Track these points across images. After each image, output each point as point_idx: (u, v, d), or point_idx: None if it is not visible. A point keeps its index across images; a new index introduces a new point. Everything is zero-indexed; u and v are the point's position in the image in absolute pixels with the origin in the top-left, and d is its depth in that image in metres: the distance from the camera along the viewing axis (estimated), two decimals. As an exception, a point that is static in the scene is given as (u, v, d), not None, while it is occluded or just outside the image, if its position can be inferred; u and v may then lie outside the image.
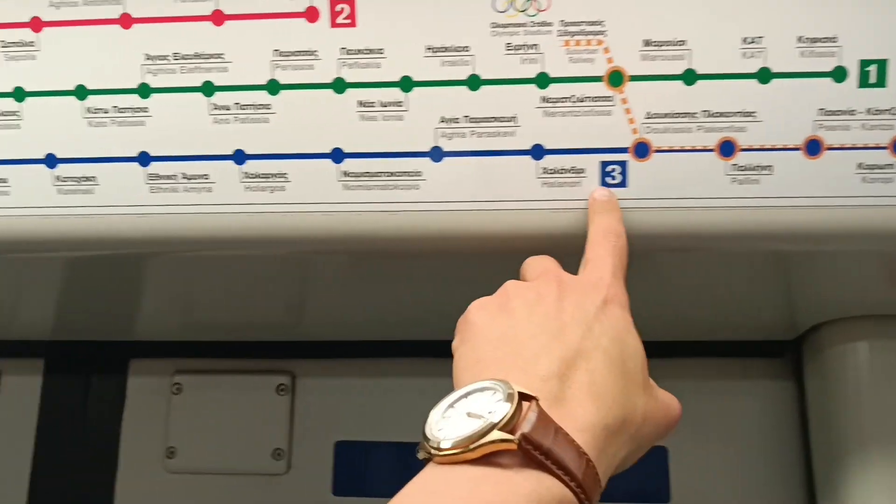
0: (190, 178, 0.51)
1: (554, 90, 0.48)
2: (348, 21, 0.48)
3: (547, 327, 0.38)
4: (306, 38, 0.49)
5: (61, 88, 0.51)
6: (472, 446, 0.33)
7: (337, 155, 0.50)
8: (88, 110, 0.51)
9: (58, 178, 0.52)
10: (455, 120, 0.49)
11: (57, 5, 0.50)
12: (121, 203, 0.51)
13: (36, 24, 0.50)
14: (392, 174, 0.50)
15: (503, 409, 0.33)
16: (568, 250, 0.47)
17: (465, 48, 0.48)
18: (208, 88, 0.50)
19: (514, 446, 0.32)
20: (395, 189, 0.50)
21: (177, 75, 0.50)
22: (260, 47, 0.49)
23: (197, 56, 0.50)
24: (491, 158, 0.49)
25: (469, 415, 0.34)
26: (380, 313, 0.70)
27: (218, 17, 0.49)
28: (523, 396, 0.34)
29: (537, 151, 0.49)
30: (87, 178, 0.51)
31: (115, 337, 0.81)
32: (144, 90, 0.50)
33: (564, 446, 0.33)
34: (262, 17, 0.49)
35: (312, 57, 0.49)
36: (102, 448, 0.79)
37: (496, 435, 0.32)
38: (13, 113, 0.51)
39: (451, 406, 0.35)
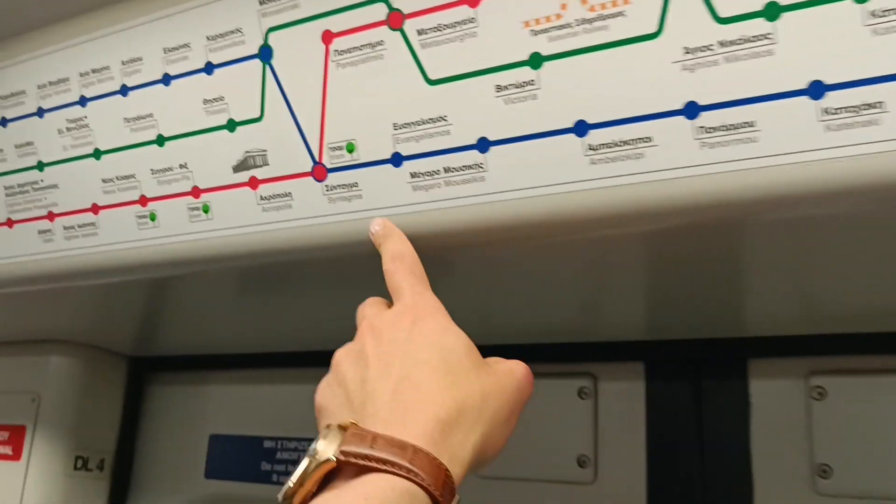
0: None
1: None
2: None
3: (370, 376, 0.43)
4: None
5: (834, -9, 0.39)
6: (304, 481, 0.39)
7: None
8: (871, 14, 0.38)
9: (826, 110, 0.40)
10: None
11: None
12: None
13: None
14: None
15: (318, 442, 0.40)
16: None
17: None
18: None
19: (333, 464, 0.39)
20: None
21: None
22: None
23: None
24: None
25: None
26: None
27: None
28: (342, 428, 0.40)
29: None
30: (870, 105, 0.39)
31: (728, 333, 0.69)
32: None
33: (385, 446, 0.38)
34: None
35: None
36: (730, 464, 0.68)
37: (317, 459, 0.39)
38: (765, 36, 0.41)
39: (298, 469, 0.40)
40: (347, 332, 0.48)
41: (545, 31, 0.46)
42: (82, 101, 0.63)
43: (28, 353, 0.93)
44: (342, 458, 0.38)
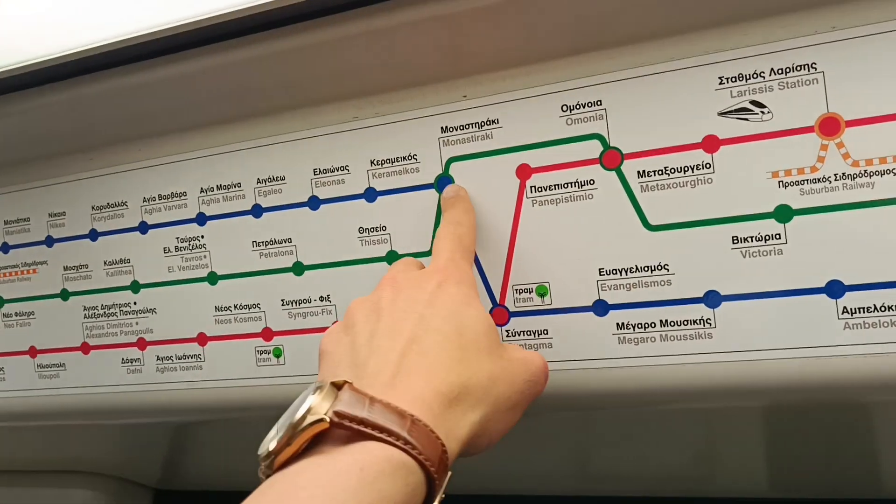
0: None
1: None
2: None
3: (379, 331, 0.41)
4: None
5: None
6: (291, 440, 0.35)
7: None
8: None
9: None
10: None
11: None
12: None
13: None
14: None
15: (311, 396, 0.36)
16: None
17: None
18: None
19: (326, 424, 0.35)
20: None
21: None
22: None
23: None
24: None
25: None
26: None
27: None
28: (336, 385, 0.37)
29: None
30: None
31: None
32: None
33: (382, 412, 0.35)
34: None
35: None
36: None
37: (307, 420, 0.35)
38: None
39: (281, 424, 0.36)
40: None
41: (797, 183, 0.43)
42: (200, 218, 0.57)
43: (52, 485, 0.82)
44: (336, 419, 0.35)
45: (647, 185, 0.46)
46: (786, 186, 0.43)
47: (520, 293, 0.48)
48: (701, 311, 0.45)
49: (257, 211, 0.55)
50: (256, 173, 0.55)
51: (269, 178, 0.55)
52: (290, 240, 0.54)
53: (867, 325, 0.42)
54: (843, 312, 0.42)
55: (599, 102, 0.46)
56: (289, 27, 0.51)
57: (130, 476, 0.86)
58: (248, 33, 0.52)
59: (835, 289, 0.42)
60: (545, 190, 0.48)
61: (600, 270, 0.47)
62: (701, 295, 0.44)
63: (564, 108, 0.47)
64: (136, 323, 0.59)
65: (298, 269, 0.54)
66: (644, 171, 0.46)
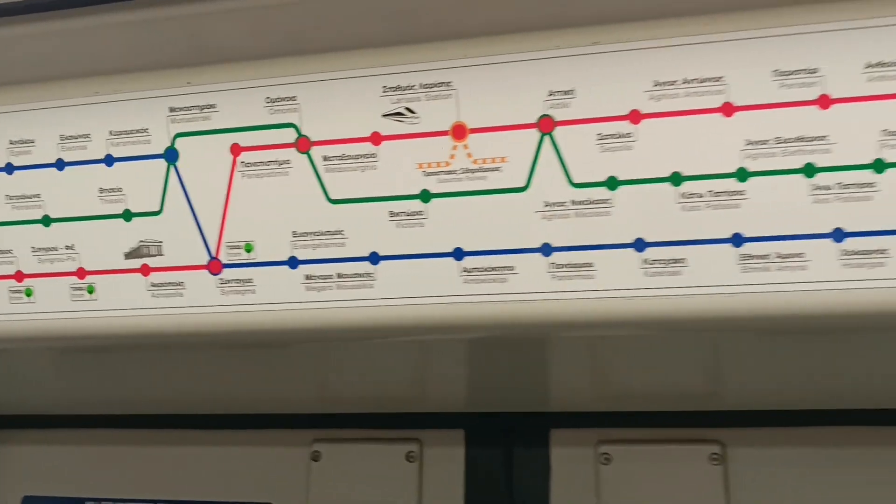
0: (784, 258, 0.52)
1: None
2: (968, 98, 0.49)
3: None
4: (918, 117, 0.50)
5: (656, 176, 0.53)
6: None
7: (941, 229, 0.50)
8: (682, 195, 0.53)
9: (645, 260, 0.54)
10: None
11: (657, 98, 0.53)
12: (707, 283, 0.53)
13: (635, 117, 0.53)
14: None
15: None
16: None
17: None
18: (809, 170, 0.51)
19: None
20: None
21: (777, 159, 0.51)
22: (867, 129, 0.50)
23: (800, 140, 0.51)
24: None
25: None
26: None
27: (824, 101, 0.51)
28: None
29: None
30: (677, 260, 0.53)
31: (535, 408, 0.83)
32: (742, 174, 0.52)
33: None
34: (870, 99, 0.50)
35: (924, 134, 0.50)
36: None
37: None
38: (605, 201, 0.54)
39: None
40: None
41: (435, 173, 0.56)
42: (-45, 171, 0.64)
43: None
44: None
45: (330, 168, 0.58)
46: (428, 175, 0.56)
47: (231, 248, 0.60)
48: (366, 267, 0.58)
49: (9, 168, 0.63)
50: (9, 136, 0.63)
51: (20, 140, 0.63)
52: (38, 195, 0.62)
53: (480, 281, 0.56)
54: (462, 271, 0.56)
55: (295, 98, 0.58)
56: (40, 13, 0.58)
57: None
58: (-5, 13, 0.59)
59: (459, 254, 0.56)
60: (252, 166, 0.59)
61: (293, 233, 0.59)
62: (367, 255, 0.58)
63: (268, 99, 0.58)
64: None
65: (46, 221, 0.62)
66: (328, 157, 0.58)
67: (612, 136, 0.53)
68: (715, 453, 0.77)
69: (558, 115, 0.54)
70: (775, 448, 0.77)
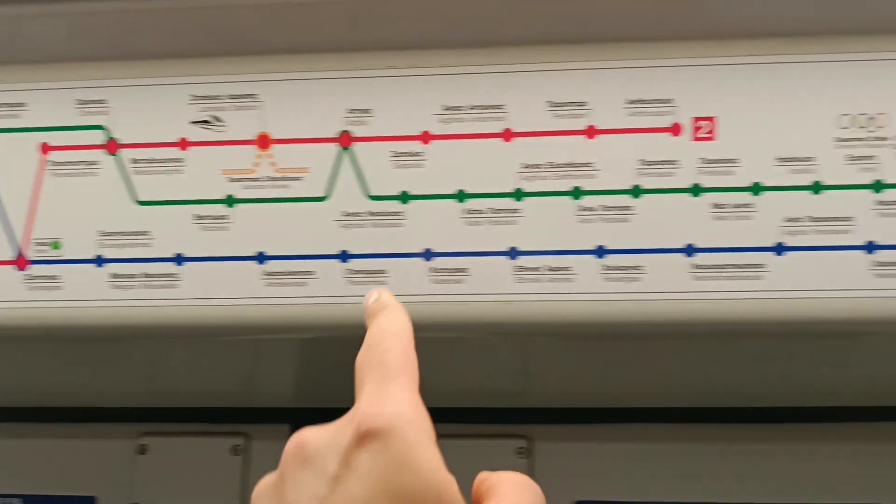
0: (554, 270, 0.58)
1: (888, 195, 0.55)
2: (709, 136, 0.56)
3: None
4: (670, 150, 0.56)
5: (443, 192, 0.58)
6: None
7: (689, 250, 0.57)
8: (466, 211, 0.58)
9: (432, 269, 0.58)
10: (798, 219, 0.56)
11: (446, 121, 0.57)
12: (486, 291, 0.58)
13: (425, 137, 0.57)
14: (738, 266, 0.57)
15: None
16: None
17: (810, 159, 0.56)
18: (576, 193, 0.57)
19: None
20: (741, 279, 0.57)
21: (549, 181, 0.57)
22: (627, 158, 0.56)
23: (569, 165, 0.57)
24: (827, 253, 0.56)
25: None
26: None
27: (591, 132, 0.56)
28: None
29: (870, 247, 0.56)
30: (460, 270, 0.58)
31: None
32: (518, 194, 0.57)
33: None
34: (630, 131, 0.56)
35: (674, 166, 0.56)
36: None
37: None
38: (398, 213, 0.58)
39: None
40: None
41: (240, 180, 0.59)
42: None
43: None
44: None
45: (138, 170, 0.60)
46: (233, 181, 0.59)
47: (39, 245, 0.61)
48: (171, 267, 0.60)
49: None
50: None
51: None
52: None
53: (281, 284, 0.59)
54: (264, 275, 0.59)
55: (105, 101, 0.59)
56: None
57: None
58: None
59: (262, 258, 0.59)
60: (62, 165, 0.60)
61: (101, 232, 0.60)
62: (172, 256, 0.60)
63: (79, 101, 0.60)
64: None
65: None
66: (137, 159, 0.60)
67: (405, 153, 0.58)
68: (521, 447, 0.83)
69: (357, 131, 0.58)
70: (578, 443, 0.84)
